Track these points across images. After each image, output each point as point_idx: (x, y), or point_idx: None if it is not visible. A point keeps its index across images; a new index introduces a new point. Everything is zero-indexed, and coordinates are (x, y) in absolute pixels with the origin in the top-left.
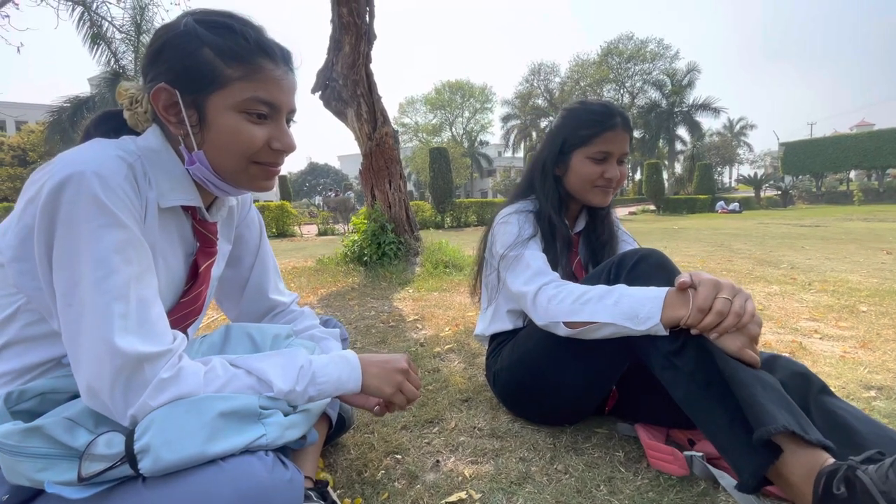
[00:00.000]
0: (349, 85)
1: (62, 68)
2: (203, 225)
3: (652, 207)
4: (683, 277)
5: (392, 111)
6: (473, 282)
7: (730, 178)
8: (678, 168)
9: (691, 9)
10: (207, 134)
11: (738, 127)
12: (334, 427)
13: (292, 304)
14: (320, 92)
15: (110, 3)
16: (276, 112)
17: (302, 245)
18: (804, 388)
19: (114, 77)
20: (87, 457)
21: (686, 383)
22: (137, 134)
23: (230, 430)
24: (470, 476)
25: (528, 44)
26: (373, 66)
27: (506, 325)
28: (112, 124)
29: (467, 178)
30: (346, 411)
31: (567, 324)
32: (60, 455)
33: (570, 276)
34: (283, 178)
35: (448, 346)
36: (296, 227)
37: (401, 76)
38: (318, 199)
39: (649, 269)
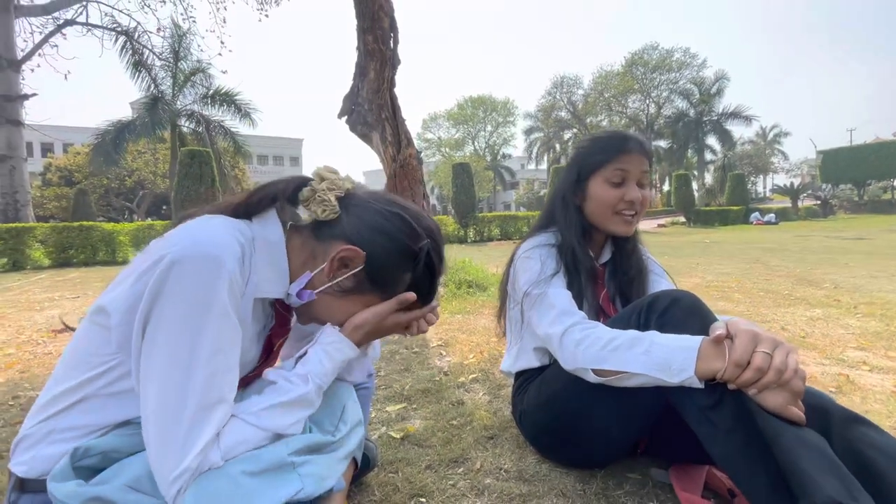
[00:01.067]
0: (374, 109)
1: (106, 93)
2: (283, 306)
3: (682, 219)
4: (719, 329)
5: (416, 127)
6: (498, 315)
7: (764, 187)
8: (709, 178)
9: (719, 15)
10: (337, 299)
11: (771, 135)
12: (359, 466)
13: None
14: (346, 116)
15: (151, 33)
16: None
17: None
18: (823, 424)
19: (153, 102)
20: None
21: (724, 442)
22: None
23: (267, 488)
24: None
25: (552, 58)
26: (397, 88)
27: (532, 362)
28: (293, 192)
29: (490, 191)
30: (370, 450)
31: (596, 371)
32: None
33: (598, 309)
34: None
35: (472, 376)
36: None
37: (424, 92)
38: None
39: (682, 314)
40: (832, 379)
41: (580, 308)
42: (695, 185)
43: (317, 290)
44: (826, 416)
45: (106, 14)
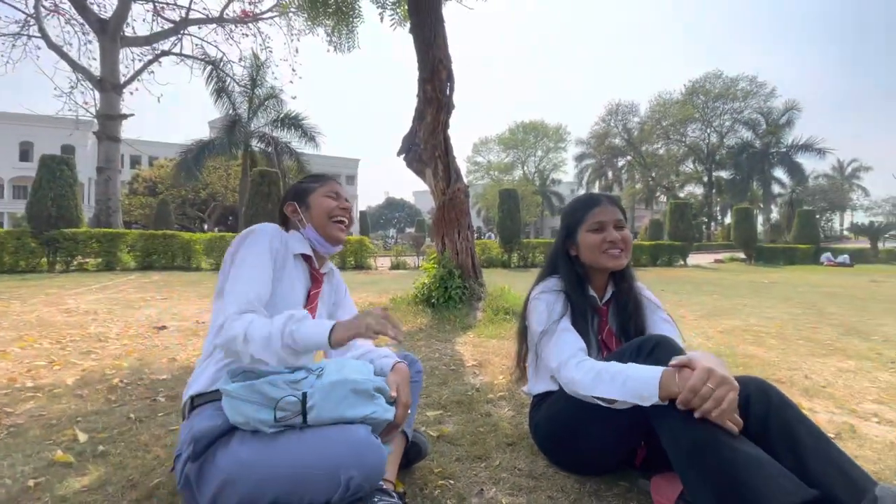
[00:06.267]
0: (429, 149)
1: (181, 111)
2: (314, 270)
3: (742, 255)
4: (675, 360)
5: (466, 150)
6: (517, 358)
7: (841, 226)
8: (775, 213)
9: (791, 47)
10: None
11: (849, 169)
12: (413, 453)
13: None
14: (405, 154)
15: (233, 63)
16: (339, 196)
17: (377, 278)
18: (765, 402)
19: (231, 124)
20: (279, 407)
21: (678, 454)
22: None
23: (358, 404)
24: None
25: (606, 85)
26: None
27: (549, 386)
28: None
29: (537, 215)
30: (423, 443)
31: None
32: (265, 404)
33: (601, 345)
34: (362, 214)
35: (500, 394)
36: (371, 260)
37: (475, 116)
38: (392, 232)
39: (663, 354)
40: (835, 426)
41: (586, 344)
42: (759, 220)
43: (305, 228)
44: (766, 397)
45: (196, 45)
